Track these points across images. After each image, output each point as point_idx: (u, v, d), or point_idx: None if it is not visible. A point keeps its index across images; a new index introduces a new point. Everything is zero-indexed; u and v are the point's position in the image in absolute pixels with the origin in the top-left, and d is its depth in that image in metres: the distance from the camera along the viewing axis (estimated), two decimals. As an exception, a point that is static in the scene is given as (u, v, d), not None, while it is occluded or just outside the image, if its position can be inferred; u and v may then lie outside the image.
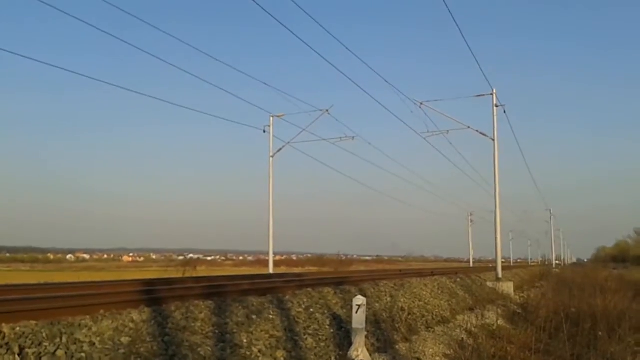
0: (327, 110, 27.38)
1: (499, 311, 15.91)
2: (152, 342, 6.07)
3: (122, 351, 5.63)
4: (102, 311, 6.41)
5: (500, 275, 25.37)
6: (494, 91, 26.67)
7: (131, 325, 6.25)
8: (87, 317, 6.05)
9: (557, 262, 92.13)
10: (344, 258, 74.59)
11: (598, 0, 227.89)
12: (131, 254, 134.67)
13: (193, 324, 7.02)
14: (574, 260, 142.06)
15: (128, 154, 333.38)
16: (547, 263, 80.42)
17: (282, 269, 46.78)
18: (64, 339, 5.39)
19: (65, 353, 5.20)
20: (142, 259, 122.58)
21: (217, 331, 7.12)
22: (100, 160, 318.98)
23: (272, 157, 29.21)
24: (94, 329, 5.79)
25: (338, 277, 16.70)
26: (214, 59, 27.89)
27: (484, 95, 26.99)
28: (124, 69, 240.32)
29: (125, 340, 5.88)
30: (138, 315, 6.55)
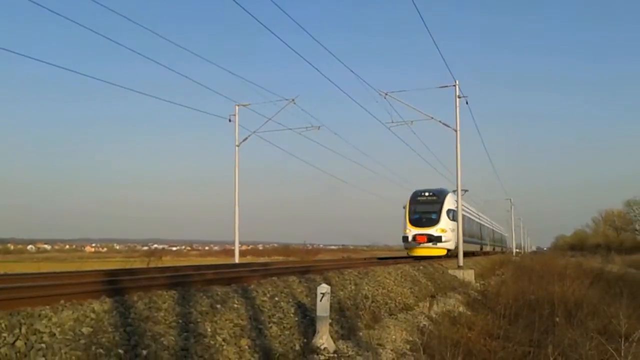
0: (293, 100, 27.24)
1: (460, 298, 16.27)
2: (113, 332, 6.04)
3: (82, 341, 5.59)
4: (62, 301, 6.32)
5: (461, 263, 25.87)
6: (457, 83, 27.03)
7: (92, 315, 6.19)
8: (47, 307, 5.97)
9: (517, 250, 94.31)
10: (310, 247, 74.76)
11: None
12: (94, 245, 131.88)
13: (156, 314, 6.99)
14: (534, 248, 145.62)
15: (89, 141, 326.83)
16: (507, 251, 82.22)
17: (248, 259, 46.54)
18: (23, 330, 5.31)
19: (25, 344, 5.13)
20: (105, 249, 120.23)
21: (180, 321, 7.11)
22: (61, 148, 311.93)
23: (238, 146, 28.98)
24: (54, 320, 5.73)
25: (303, 266, 16.78)
26: (179, 46, 27.50)
27: (447, 86, 27.32)
28: (81, 53, 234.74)
29: (86, 330, 5.83)
30: (99, 306, 6.49)
